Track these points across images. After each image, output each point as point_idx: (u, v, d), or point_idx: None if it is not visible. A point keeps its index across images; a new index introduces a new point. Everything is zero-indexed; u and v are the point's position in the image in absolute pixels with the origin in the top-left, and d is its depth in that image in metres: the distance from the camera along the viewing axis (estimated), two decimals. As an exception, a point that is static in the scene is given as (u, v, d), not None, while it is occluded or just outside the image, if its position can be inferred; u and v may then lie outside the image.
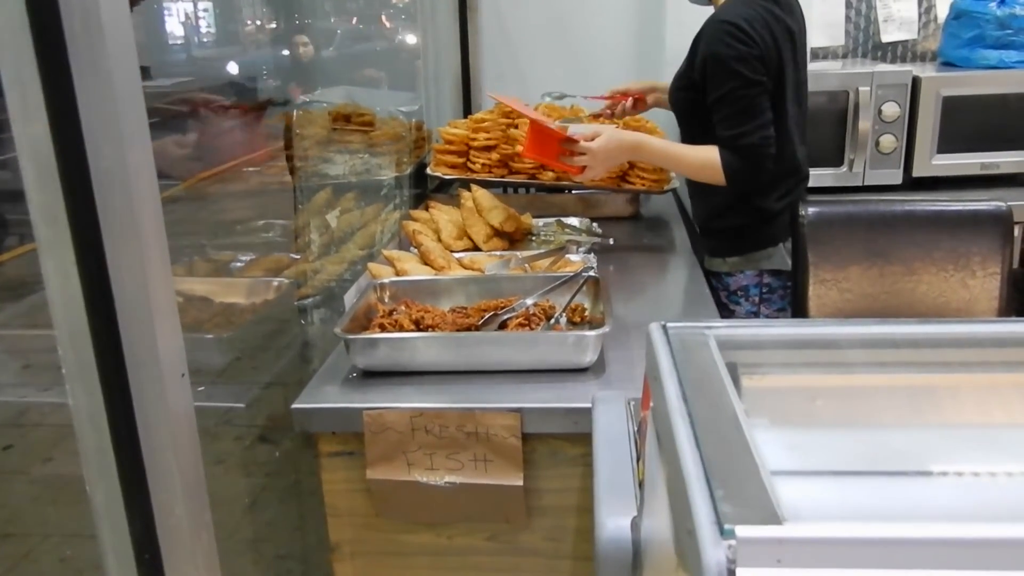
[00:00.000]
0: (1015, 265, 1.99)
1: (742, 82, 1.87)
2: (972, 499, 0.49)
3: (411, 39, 3.02)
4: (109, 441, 0.98)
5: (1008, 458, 0.54)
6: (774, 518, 0.43)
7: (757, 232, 2.05)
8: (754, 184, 1.95)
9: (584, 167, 1.97)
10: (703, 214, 2.15)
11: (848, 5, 3.02)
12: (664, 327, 0.66)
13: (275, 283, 1.74)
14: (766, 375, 0.67)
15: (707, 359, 0.61)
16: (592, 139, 1.94)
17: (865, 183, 2.63)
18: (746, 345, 0.66)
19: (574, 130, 1.98)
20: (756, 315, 2.08)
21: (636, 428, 1.22)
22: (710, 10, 2.07)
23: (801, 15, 2.05)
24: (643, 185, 2.43)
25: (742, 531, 0.42)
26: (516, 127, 2.52)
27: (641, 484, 1.07)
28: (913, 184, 2.65)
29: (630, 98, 2.41)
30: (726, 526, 0.42)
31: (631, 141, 1.98)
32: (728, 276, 2.10)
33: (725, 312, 2.11)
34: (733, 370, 0.63)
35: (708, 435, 0.51)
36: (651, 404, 0.69)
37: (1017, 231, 2.27)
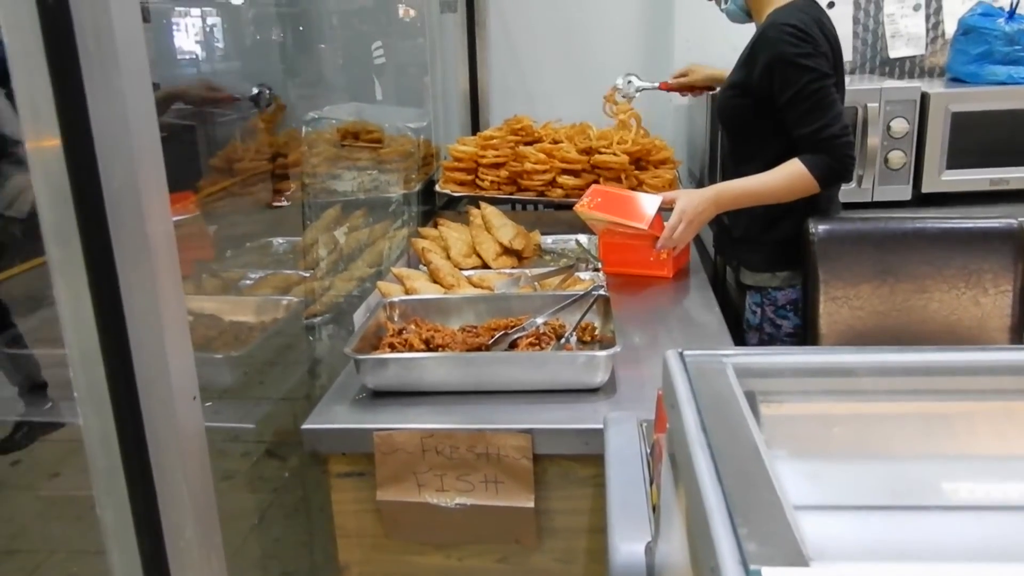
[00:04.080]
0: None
1: (814, 75, 1.88)
2: (1000, 536, 0.48)
3: (419, 55, 3.03)
4: (119, 462, 0.97)
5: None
6: (800, 558, 0.42)
7: None
8: (845, 178, 1.96)
9: (673, 247, 2.02)
10: (748, 227, 2.11)
11: (856, 21, 3.02)
12: (681, 354, 0.66)
13: (284, 302, 1.74)
14: (784, 403, 0.66)
15: (725, 387, 0.61)
16: (670, 204, 1.99)
17: (874, 199, 2.62)
18: (764, 373, 0.65)
19: (648, 202, 2.04)
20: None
21: (649, 450, 1.21)
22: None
23: None
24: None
25: (769, 573, 0.41)
26: (525, 144, 2.52)
27: (655, 508, 1.06)
28: (922, 200, 2.64)
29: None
30: (752, 566, 0.41)
31: (710, 194, 1.99)
32: (777, 290, 2.07)
33: (771, 327, 2.09)
34: (751, 398, 0.62)
35: (729, 468, 0.50)
36: (667, 428, 0.69)
37: (1028, 248, 2.25)
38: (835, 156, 1.90)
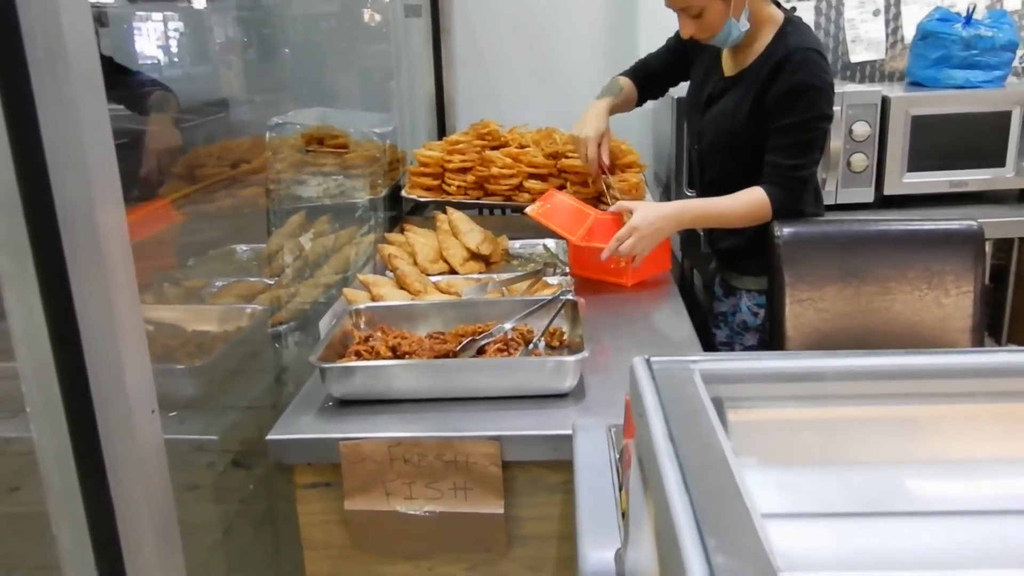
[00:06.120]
0: (987, 282, 2.00)
1: (819, 114, 1.88)
2: (970, 541, 0.48)
3: (385, 60, 3.01)
4: (76, 481, 0.94)
5: (1005, 496, 0.53)
6: (769, 570, 0.41)
7: None
8: (790, 216, 1.96)
9: (633, 257, 1.95)
10: (753, 237, 2.02)
11: (817, 26, 3.05)
12: (648, 361, 0.65)
13: (248, 310, 1.71)
14: (752, 409, 0.66)
15: (692, 395, 0.60)
16: (630, 212, 1.94)
17: (837, 201, 2.65)
18: (732, 379, 0.65)
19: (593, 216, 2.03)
20: None
21: (618, 456, 1.20)
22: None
23: None
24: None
25: (738, 584, 0.40)
26: (491, 148, 2.51)
27: (624, 515, 1.05)
28: (884, 202, 2.68)
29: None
30: (721, 579, 0.41)
31: (670, 210, 1.95)
32: None
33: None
34: (719, 405, 0.62)
35: (697, 478, 0.49)
36: (635, 436, 0.68)
37: (988, 248, 2.29)
38: (794, 197, 1.93)
